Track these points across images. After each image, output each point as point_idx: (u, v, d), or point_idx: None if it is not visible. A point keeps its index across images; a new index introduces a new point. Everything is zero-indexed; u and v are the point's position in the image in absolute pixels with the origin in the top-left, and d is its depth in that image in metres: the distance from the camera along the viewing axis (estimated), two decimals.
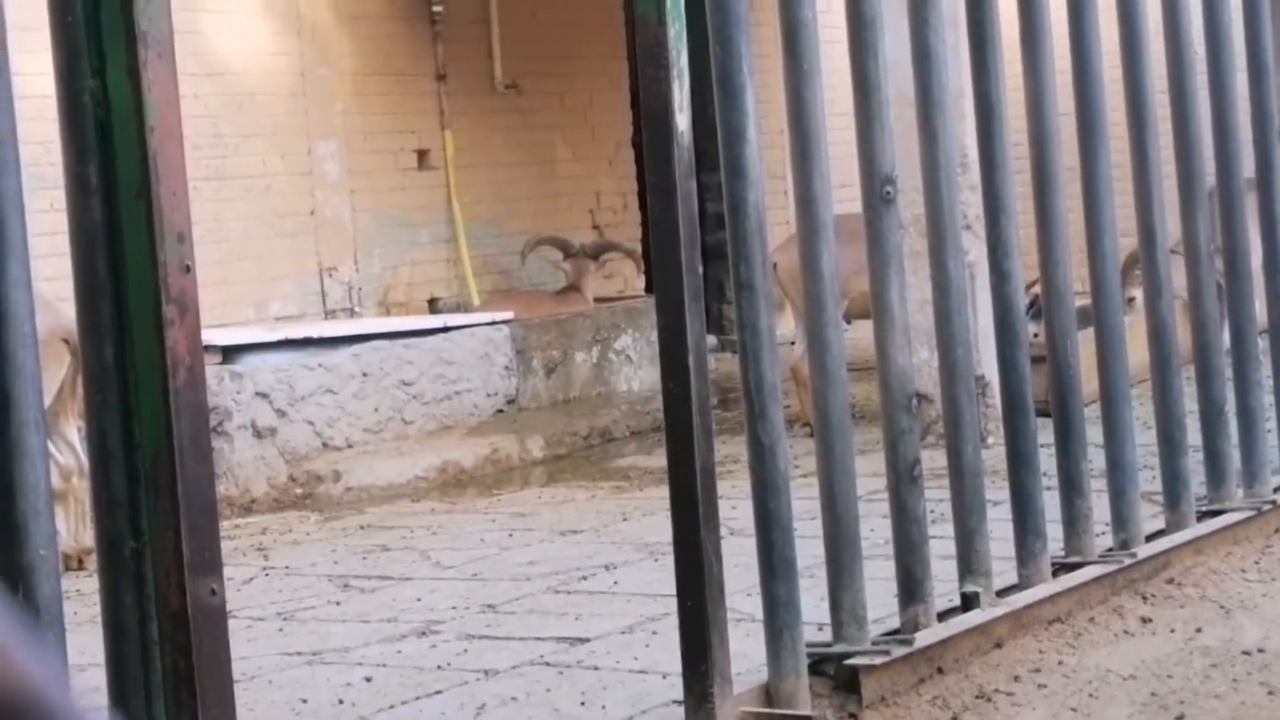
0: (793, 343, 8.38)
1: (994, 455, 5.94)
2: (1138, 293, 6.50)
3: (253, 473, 8.03)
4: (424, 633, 5.41)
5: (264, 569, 6.57)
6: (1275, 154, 5.98)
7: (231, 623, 3.28)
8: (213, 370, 7.73)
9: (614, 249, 11.25)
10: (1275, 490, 5.87)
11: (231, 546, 6.76)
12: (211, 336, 7.89)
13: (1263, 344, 5.99)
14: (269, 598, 6.06)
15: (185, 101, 3.20)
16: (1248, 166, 5.93)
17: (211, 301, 8.56)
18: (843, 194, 6.25)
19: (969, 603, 4.66)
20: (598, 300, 10.97)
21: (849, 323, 7.99)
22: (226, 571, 3.15)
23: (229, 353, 8.44)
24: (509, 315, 9.67)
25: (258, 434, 8.11)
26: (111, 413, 2.95)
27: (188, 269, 2.98)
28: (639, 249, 11.38)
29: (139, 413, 2.94)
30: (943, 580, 4.69)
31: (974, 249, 6.66)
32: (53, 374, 6.24)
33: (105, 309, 2.96)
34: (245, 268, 9.84)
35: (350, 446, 8.48)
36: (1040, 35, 5.10)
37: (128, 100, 2.95)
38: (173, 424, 2.90)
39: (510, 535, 6.87)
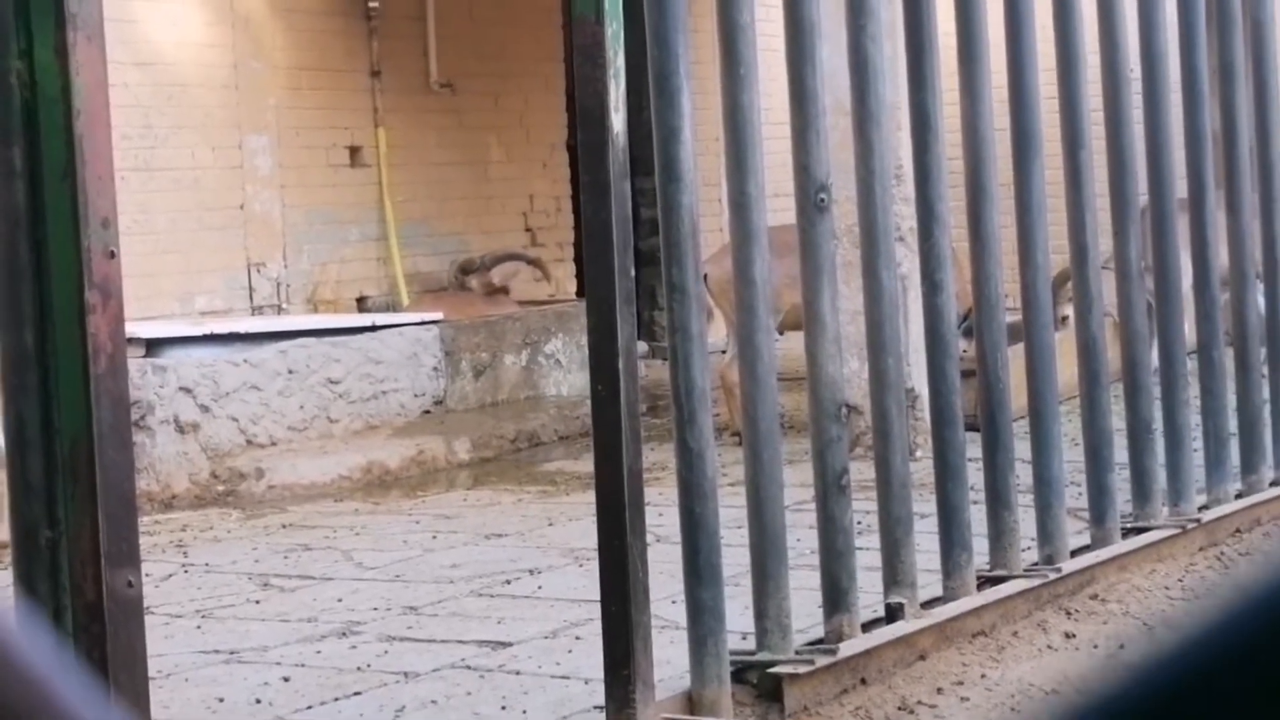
0: (723, 351, 8.37)
1: (922, 467, 5.94)
2: (1069, 310, 6.52)
3: (174, 468, 7.94)
4: (344, 633, 5.35)
5: (183, 566, 6.49)
6: (1208, 175, 6.01)
7: (149, 619, 3.22)
8: (136, 364, 7.64)
9: (511, 258, 11.22)
10: (1200, 509, 5.90)
11: (151, 543, 6.67)
12: (135, 329, 7.80)
13: (1191, 364, 6.02)
14: (188, 595, 5.99)
15: (115, 90, 3.16)
16: (1180, 187, 5.96)
17: (137, 294, 8.47)
18: (776, 203, 6.25)
19: (893, 614, 4.66)
20: (527, 304, 10.93)
21: (781, 334, 7.99)
22: (145, 568, 3.10)
23: (153, 346, 8.35)
24: (438, 316, 9.62)
25: (180, 429, 8.02)
26: (30, 398, 2.89)
27: (112, 255, 2.92)
28: (536, 255, 11.42)
29: (59, 399, 2.88)
30: (868, 591, 4.68)
31: (906, 261, 6.67)
32: None
33: (26, 293, 2.91)
34: (172, 260, 9.74)
35: (274, 444, 8.40)
36: (978, 50, 5.11)
37: (55, 82, 2.89)
38: (93, 411, 2.85)
39: (434, 537, 6.82)
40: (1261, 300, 6.30)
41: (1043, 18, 5.35)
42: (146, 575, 3.44)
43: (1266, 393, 6.28)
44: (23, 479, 2.92)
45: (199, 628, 5.51)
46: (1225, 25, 6.11)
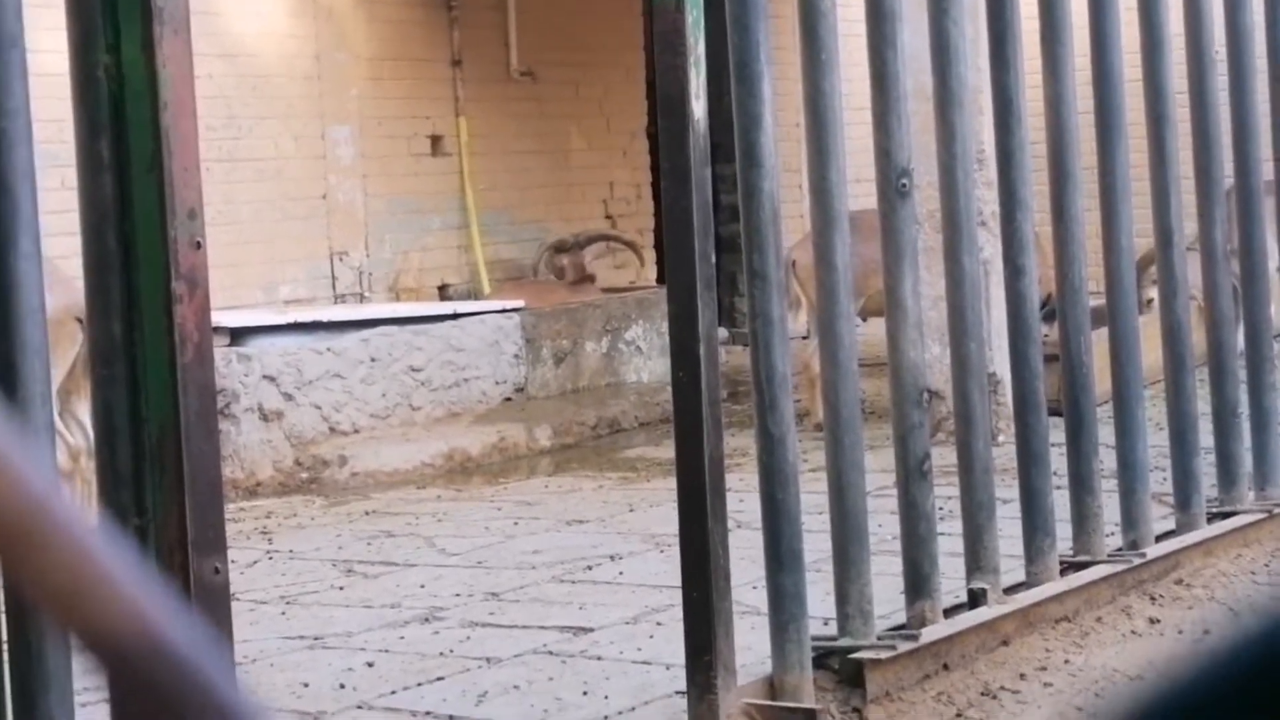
0: (804, 338, 8.36)
1: (1004, 453, 5.91)
2: (1154, 294, 6.46)
3: (258, 456, 8.01)
4: (427, 619, 5.39)
5: (268, 552, 6.55)
6: None
7: (235, 605, 3.26)
8: (220, 352, 7.71)
9: (604, 239, 11.25)
10: None
11: (236, 530, 6.74)
12: (220, 318, 7.87)
13: (1278, 347, 5.96)
14: (272, 581, 6.05)
15: (199, 82, 3.18)
16: (1266, 169, 5.90)
17: (221, 284, 8.54)
18: (857, 189, 6.23)
19: (976, 599, 4.64)
20: (608, 290, 10.95)
21: (863, 320, 7.96)
22: (230, 554, 3.13)
23: (237, 335, 8.42)
24: (519, 304, 9.65)
25: (264, 417, 8.09)
26: (118, 388, 2.93)
27: (198, 245, 2.95)
28: (631, 237, 11.44)
29: (146, 388, 2.92)
30: (950, 577, 4.67)
31: (989, 246, 6.63)
32: (65, 352, 6.21)
33: (115, 284, 2.94)
34: (255, 250, 9.82)
35: (357, 432, 8.46)
36: (1061, 32, 5.07)
37: (142, 76, 2.92)
38: (179, 400, 2.88)
39: (516, 524, 6.85)
40: None
41: None
42: (232, 562, 3.48)
43: None
44: (111, 467, 2.95)
45: (284, 614, 5.56)
46: None
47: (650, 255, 12.25)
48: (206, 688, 0.72)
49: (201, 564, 2.93)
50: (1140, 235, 5.56)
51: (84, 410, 6.66)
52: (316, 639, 5.21)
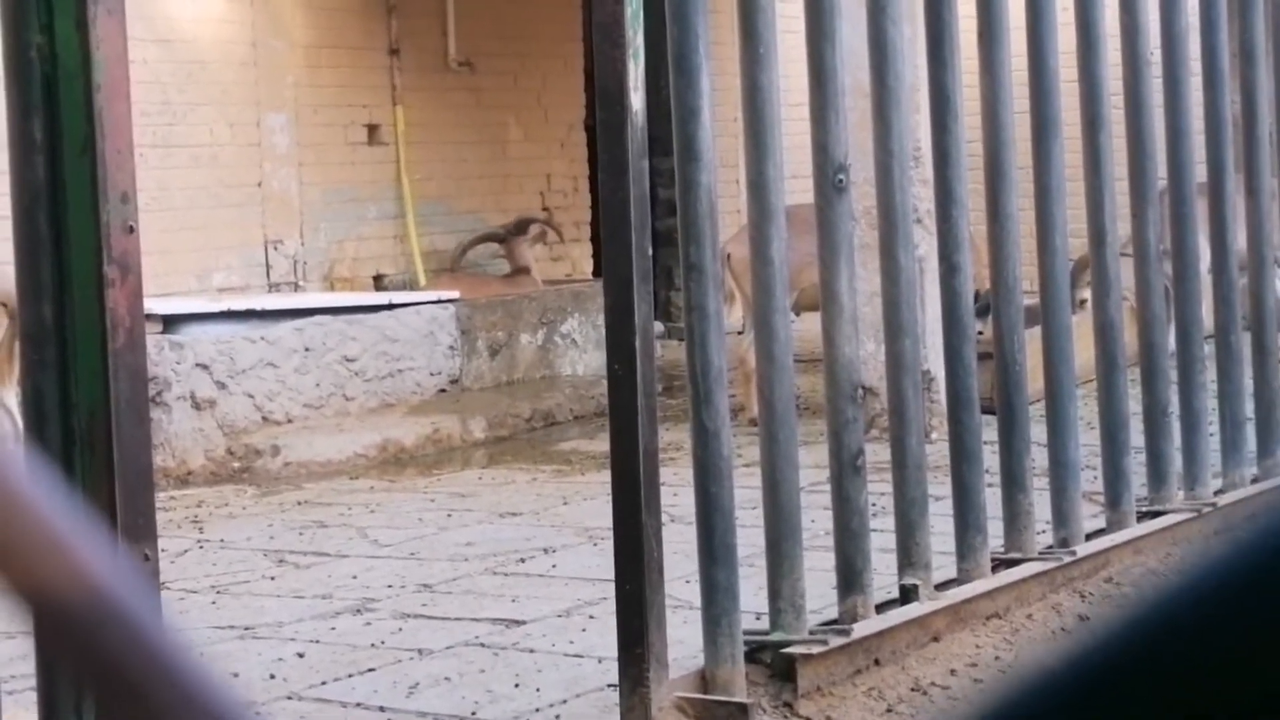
0: (740, 332, 8.37)
1: (937, 450, 5.92)
2: (1087, 294, 6.50)
3: (190, 444, 7.96)
4: (359, 610, 5.37)
5: (198, 541, 6.51)
6: (1227, 159, 5.99)
7: (164, 594, 3.23)
8: (153, 340, 7.65)
9: (533, 221, 11.28)
10: (1215, 493, 5.89)
11: (166, 519, 6.69)
12: (152, 305, 7.81)
13: (1208, 348, 6.01)
14: (203, 570, 6.01)
15: (134, 67, 3.15)
16: (1199, 171, 5.94)
17: (154, 270, 8.47)
18: (794, 185, 6.23)
19: (908, 595, 4.66)
20: (545, 282, 10.93)
21: (797, 315, 7.97)
22: (160, 544, 3.10)
23: (170, 322, 8.36)
24: (455, 295, 9.62)
25: (196, 405, 8.03)
26: (48, 372, 2.90)
27: (131, 229, 2.92)
28: (552, 217, 11.52)
29: (76, 373, 2.89)
30: (882, 573, 4.68)
31: (924, 243, 6.65)
32: None
33: (46, 267, 2.91)
34: (189, 237, 9.75)
35: (290, 421, 8.41)
36: (998, 32, 5.10)
37: (76, 56, 2.89)
38: (110, 385, 2.85)
39: (449, 515, 6.83)
40: (1279, 285, 6.29)
41: None
42: (163, 550, 3.44)
43: None
44: (40, 452, 2.92)
45: (214, 603, 5.52)
46: (1247, 7, 6.08)
47: (585, 249, 12.25)
48: (155, 650, 0.71)
49: (131, 551, 2.91)
50: (1074, 235, 5.59)
51: (10, 396, 6.59)
52: (247, 629, 5.18)
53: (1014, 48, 5.15)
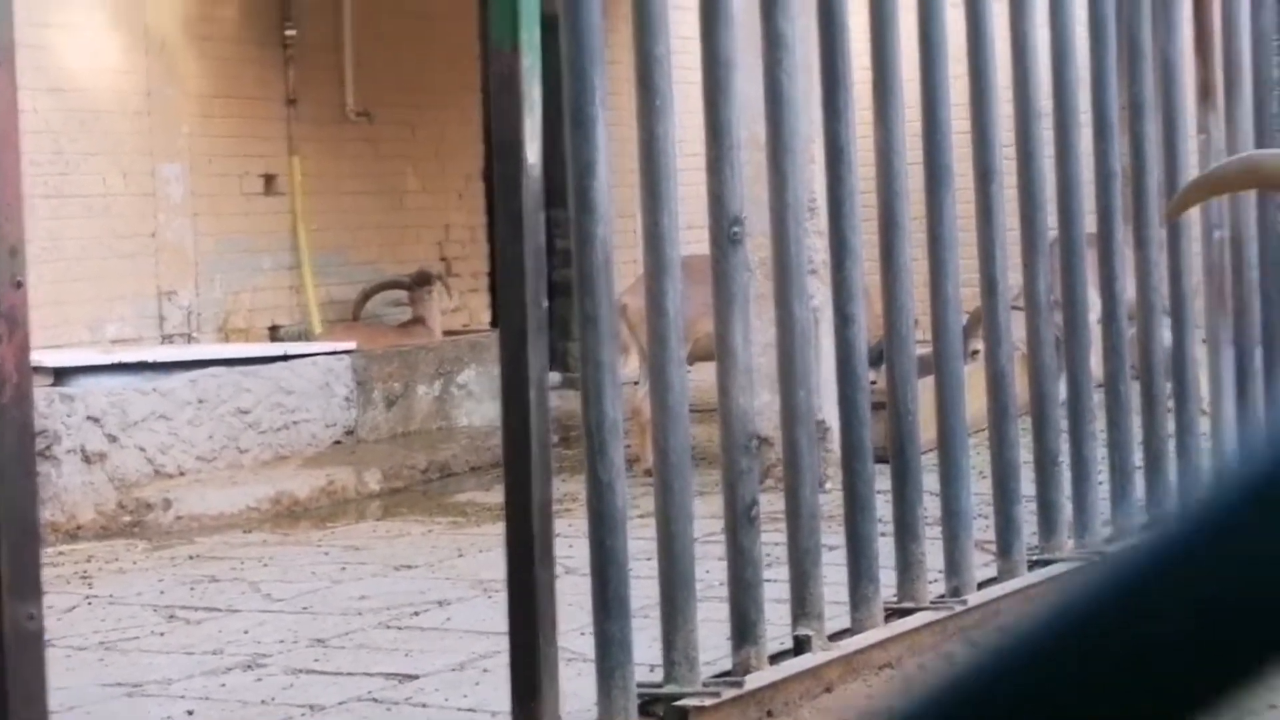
0: (636, 383, 8.37)
1: (831, 500, 5.95)
2: (980, 345, 6.56)
3: (80, 498, 7.84)
4: (250, 666, 5.30)
5: (87, 597, 6.41)
6: (1116, 209, 6.07)
7: (51, 652, 3.18)
8: (43, 392, 7.55)
9: (432, 277, 11.27)
10: (1105, 541, 5.94)
11: (54, 574, 6.58)
12: (43, 357, 7.71)
13: (1098, 397, 6.07)
14: (91, 627, 5.91)
15: (25, 116, 3.12)
16: (1089, 222, 6.02)
17: (45, 322, 8.37)
18: (690, 235, 6.25)
19: (801, 646, 4.66)
20: (444, 333, 10.90)
21: (692, 365, 7.99)
22: (48, 599, 3.05)
23: (61, 374, 8.25)
24: (351, 345, 9.56)
25: (87, 459, 7.93)
26: None
27: (19, 284, 2.89)
28: (444, 273, 11.51)
29: None
30: (775, 624, 4.68)
31: (819, 293, 6.69)
32: None
33: None
34: (81, 288, 9.64)
35: (182, 474, 8.32)
36: (892, 83, 5.15)
37: None
38: None
39: (343, 569, 6.77)
40: (1168, 335, 6.37)
41: (956, 51, 5.40)
42: (49, 607, 3.39)
43: (1172, 427, 6.34)
44: None
45: (102, 660, 5.43)
46: (1135, 61, 6.18)
47: (482, 299, 12.21)
48: None
49: (15, 610, 2.86)
50: (966, 286, 5.65)
51: None
52: (135, 686, 5.10)
53: (907, 99, 5.21)
